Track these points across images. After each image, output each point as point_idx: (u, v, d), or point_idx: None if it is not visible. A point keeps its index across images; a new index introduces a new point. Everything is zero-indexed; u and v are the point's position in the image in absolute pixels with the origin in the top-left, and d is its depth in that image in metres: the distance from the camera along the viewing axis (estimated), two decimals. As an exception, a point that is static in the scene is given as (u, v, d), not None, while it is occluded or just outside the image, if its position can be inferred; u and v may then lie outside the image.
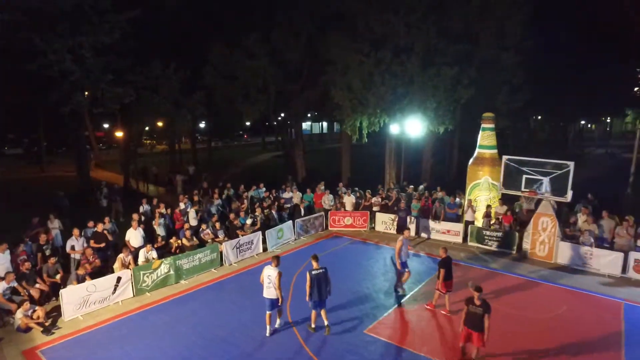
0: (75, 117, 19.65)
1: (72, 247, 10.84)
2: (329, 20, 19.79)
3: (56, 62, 15.41)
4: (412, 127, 18.25)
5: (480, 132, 15.23)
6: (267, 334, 8.55)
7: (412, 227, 14.74)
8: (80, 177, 20.78)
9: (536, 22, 21.95)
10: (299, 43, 20.49)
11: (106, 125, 45.75)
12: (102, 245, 11.11)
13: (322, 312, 8.64)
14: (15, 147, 44.17)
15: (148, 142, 34.61)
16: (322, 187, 17.22)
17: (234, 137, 61.73)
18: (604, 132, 72.56)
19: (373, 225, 16.25)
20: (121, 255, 10.50)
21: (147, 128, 30.08)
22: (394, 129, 19.49)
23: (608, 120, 71.20)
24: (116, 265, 10.51)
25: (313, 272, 8.34)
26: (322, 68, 19.46)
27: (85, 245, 10.90)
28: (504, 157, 12.73)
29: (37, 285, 9.45)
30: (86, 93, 17.47)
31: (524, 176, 12.18)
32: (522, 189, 12.45)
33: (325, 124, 72.26)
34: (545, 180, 11.82)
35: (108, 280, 9.76)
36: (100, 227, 11.25)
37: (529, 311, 9.64)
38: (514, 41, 19.82)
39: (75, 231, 10.92)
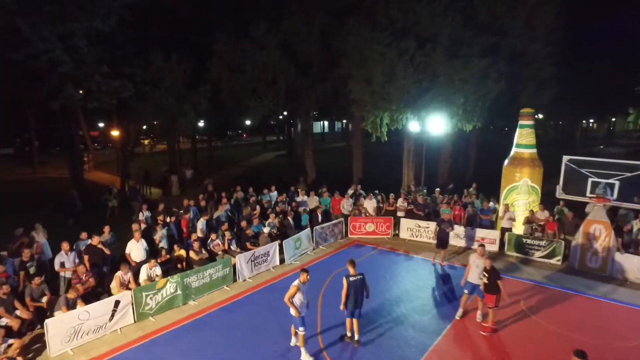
0: (67, 114, 18.04)
1: (62, 264, 9.20)
2: (345, 8, 18.23)
3: (45, 52, 13.74)
4: (435, 124, 16.76)
5: (518, 129, 13.81)
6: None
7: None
8: (72, 179, 19.03)
9: (567, 13, 20.52)
10: (311, 34, 18.91)
11: (101, 125, 43.88)
12: (97, 261, 9.48)
13: (355, 323, 7.78)
14: (6, 147, 42.35)
15: (147, 142, 32.88)
16: (351, 192, 15.83)
17: (234, 137, 60.03)
18: (607, 131, 71.89)
19: (397, 232, 14.77)
20: (119, 273, 8.89)
21: (144, 127, 28.30)
22: (413, 127, 18.01)
23: (613, 120, 70.33)
24: (113, 285, 8.93)
25: (351, 278, 7.49)
26: (336, 60, 17.91)
27: (77, 261, 9.30)
28: (565, 158, 11.20)
29: (18, 312, 7.84)
30: (80, 92, 15.83)
31: (590, 180, 10.63)
32: (589, 194, 10.91)
33: (326, 123, 70.63)
34: (616, 184, 10.30)
35: (104, 305, 8.14)
36: (95, 240, 9.59)
37: (606, 338, 8.13)
38: (543, 32, 18.37)
39: (65, 245, 9.25)
